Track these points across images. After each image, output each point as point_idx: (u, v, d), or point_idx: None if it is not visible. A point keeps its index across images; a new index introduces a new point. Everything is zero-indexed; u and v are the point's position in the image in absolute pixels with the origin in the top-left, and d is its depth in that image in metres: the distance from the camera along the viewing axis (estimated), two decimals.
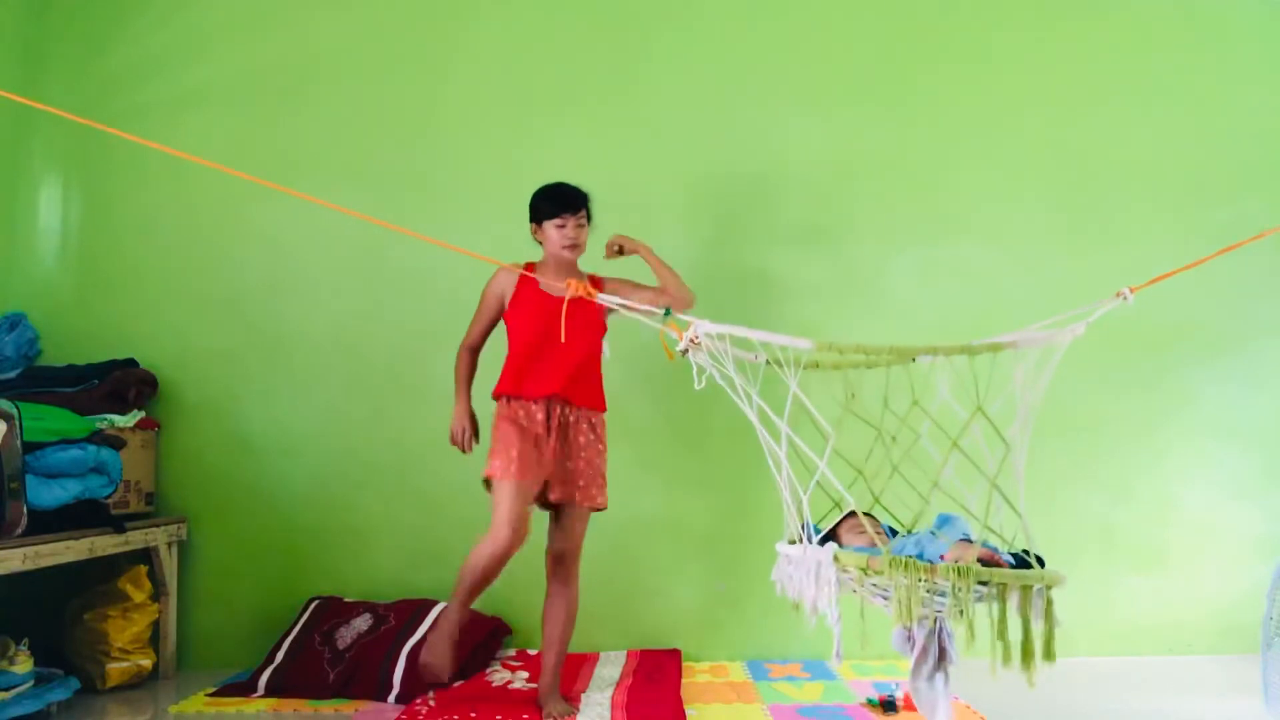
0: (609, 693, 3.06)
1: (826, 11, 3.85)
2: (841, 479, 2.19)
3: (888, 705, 2.86)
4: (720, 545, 3.66)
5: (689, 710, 2.89)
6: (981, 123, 3.81)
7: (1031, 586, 1.85)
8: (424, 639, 3.19)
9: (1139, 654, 3.63)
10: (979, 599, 1.85)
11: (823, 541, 2.21)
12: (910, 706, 2.84)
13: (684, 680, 3.26)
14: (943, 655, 2.01)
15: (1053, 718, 2.91)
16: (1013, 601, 1.86)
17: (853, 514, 2.29)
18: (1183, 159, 3.80)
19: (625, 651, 3.60)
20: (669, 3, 3.87)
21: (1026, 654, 1.85)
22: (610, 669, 3.36)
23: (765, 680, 3.29)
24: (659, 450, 3.70)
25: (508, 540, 2.70)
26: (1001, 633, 1.85)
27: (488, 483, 2.82)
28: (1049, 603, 1.85)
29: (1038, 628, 1.85)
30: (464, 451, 3.00)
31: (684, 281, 3.01)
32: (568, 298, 2.54)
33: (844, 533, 2.26)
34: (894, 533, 2.40)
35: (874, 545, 2.13)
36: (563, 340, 2.72)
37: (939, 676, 2.04)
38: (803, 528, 2.17)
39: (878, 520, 2.38)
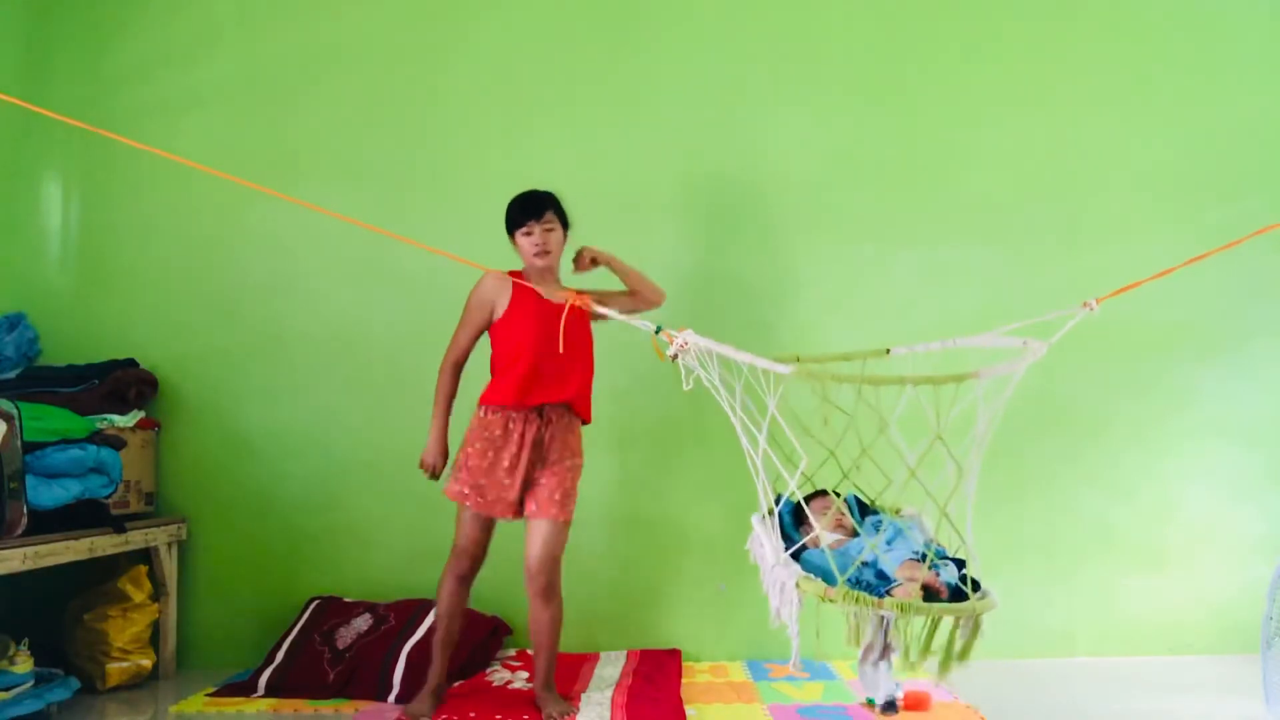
0: (609, 693, 3.06)
1: (824, 11, 3.85)
2: (815, 458, 2.41)
3: (887, 705, 2.85)
4: (720, 545, 3.66)
5: (689, 710, 2.90)
6: (980, 123, 3.80)
7: (962, 616, 2.11)
8: (426, 637, 3.21)
9: (1139, 654, 3.62)
10: (919, 615, 2.11)
11: (796, 516, 2.50)
12: (910, 706, 2.86)
13: (684, 680, 3.26)
14: (887, 648, 2.27)
15: (1053, 718, 2.91)
16: (946, 623, 2.12)
17: (822, 493, 2.51)
18: (1182, 159, 3.79)
19: (625, 651, 3.60)
20: (666, 4, 3.87)
21: (945, 660, 2.14)
22: (610, 669, 3.36)
23: (765, 680, 3.29)
24: (659, 451, 3.70)
25: (462, 566, 2.91)
26: (926, 649, 2.13)
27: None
28: (977, 624, 2.11)
29: (961, 641, 2.11)
30: (431, 479, 3.01)
31: (652, 282, 3.06)
32: (566, 309, 2.55)
33: (812, 511, 2.41)
34: (862, 507, 2.58)
35: (839, 525, 2.49)
36: (560, 351, 2.71)
37: (883, 664, 2.38)
38: (772, 514, 2.36)
39: (844, 500, 2.53)
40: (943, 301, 3.72)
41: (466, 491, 2.84)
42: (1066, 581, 3.65)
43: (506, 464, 2.83)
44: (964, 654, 2.12)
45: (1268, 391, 3.74)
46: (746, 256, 3.76)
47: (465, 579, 2.92)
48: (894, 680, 2.62)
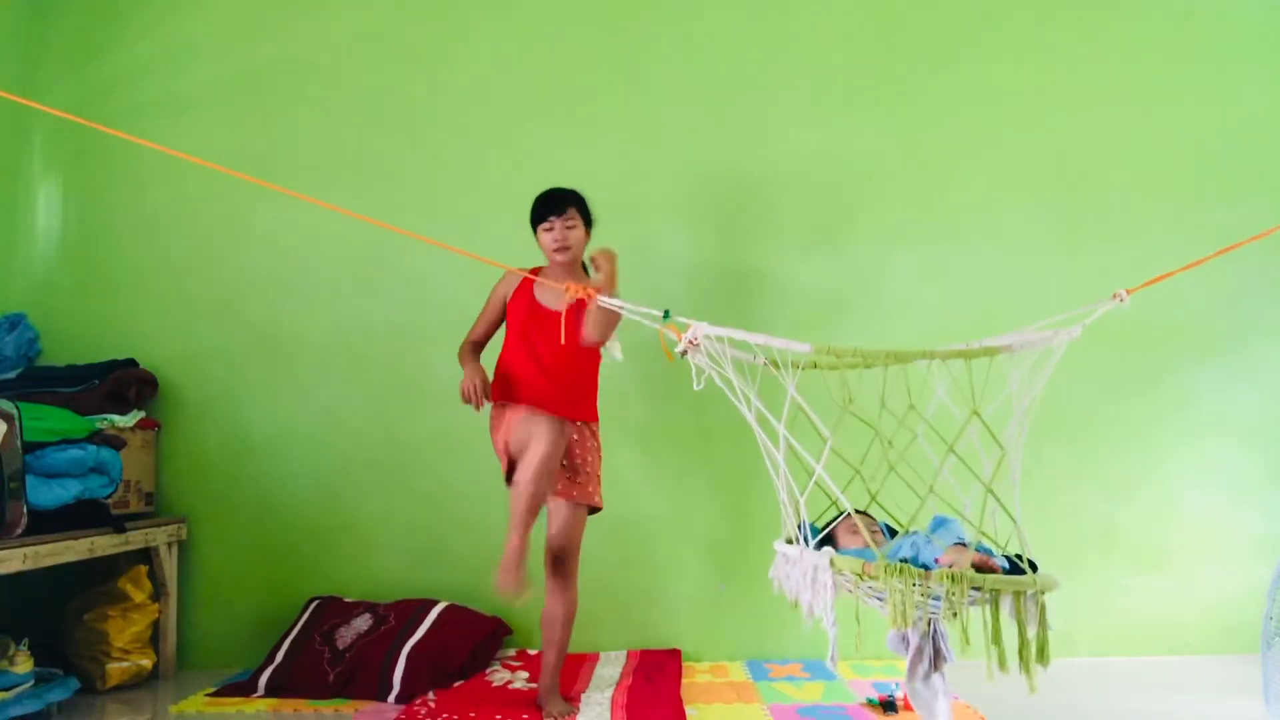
0: (609, 693, 3.06)
1: (826, 12, 3.85)
2: (839, 478, 2.20)
3: (887, 705, 2.86)
4: (720, 545, 3.66)
5: (689, 710, 2.90)
6: (981, 123, 3.80)
7: (1024, 592, 1.86)
8: (426, 637, 3.21)
9: (1139, 654, 3.62)
10: (972, 603, 1.87)
11: (820, 543, 2.22)
12: (910, 706, 2.84)
13: (684, 680, 3.26)
14: (938, 656, 2.03)
15: (1053, 718, 2.91)
16: (1005, 606, 1.88)
17: (850, 515, 2.30)
18: (1181, 159, 3.80)
19: (625, 651, 3.60)
20: (669, 4, 3.87)
21: (1024, 658, 1.87)
22: (610, 669, 3.36)
23: (765, 680, 3.29)
24: (659, 451, 3.70)
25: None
26: (995, 638, 1.87)
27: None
28: (1042, 607, 1.87)
29: (1031, 632, 1.87)
30: (475, 408, 2.92)
31: (605, 328, 2.80)
32: (566, 301, 2.55)
33: (841, 534, 2.26)
34: (891, 531, 2.41)
35: (870, 547, 2.15)
36: (563, 342, 2.72)
37: (935, 677, 2.07)
38: (799, 528, 2.18)
39: (874, 520, 2.39)
40: (944, 302, 3.72)
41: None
42: (1066, 581, 3.60)
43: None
44: (1042, 651, 1.88)
45: (1268, 392, 3.74)
46: (747, 257, 3.76)
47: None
48: (898, 680, 2.44)
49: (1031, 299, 3.62)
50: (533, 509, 2.70)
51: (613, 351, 2.94)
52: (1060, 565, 3.62)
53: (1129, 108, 3.82)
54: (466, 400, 2.92)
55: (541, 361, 2.86)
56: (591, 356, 2.96)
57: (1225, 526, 3.69)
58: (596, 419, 3.00)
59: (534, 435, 2.70)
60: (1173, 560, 3.68)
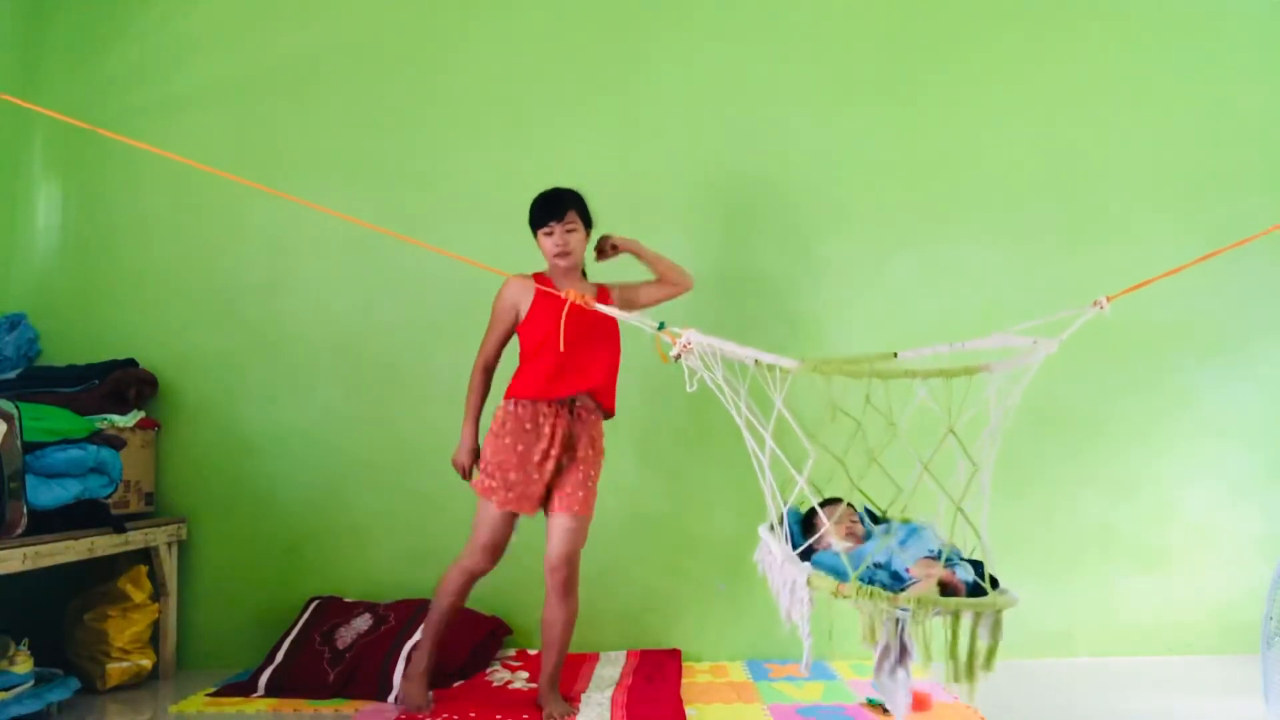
0: (609, 693, 3.06)
1: (828, 11, 3.85)
2: (824, 466, 2.26)
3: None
4: (720, 545, 3.66)
5: (689, 710, 2.90)
6: (982, 122, 3.81)
7: (982, 613, 2.01)
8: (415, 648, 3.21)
9: (1139, 654, 3.62)
10: (937, 614, 2.01)
11: (805, 525, 2.41)
12: (916, 706, 2.85)
13: (684, 680, 3.26)
14: (904, 652, 2.15)
15: (1053, 718, 2.91)
16: (966, 620, 2.01)
17: (832, 501, 2.41)
18: (1182, 159, 3.80)
19: (625, 651, 3.60)
20: (669, 4, 3.87)
21: (970, 666, 2.01)
22: (610, 669, 3.37)
23: (765, 680, 3.29)
24: (660, 450, 3.70)
25: (481, 564, 2.89)
26: (953, 652, 2.01)
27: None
28: (997, 623, 2.00)
29: (983, 644, 2.00)
30: (464, 478, 3.00)
31: (680, 267, 3.07)
32: (565, 307, 2.56)
33: (823, 515, 2.34)
34: (873, 517, 2.52)
35: (850, 534, 2.37)
36: (561, 349, 2.71)
37: (900, 671, 2.19)
38: (781, 522, 2.27)
39: (855, 509, 2.46)
40: (944, 302, 3.72)
41: (496, 485, 2.83)
42: (1066, 581, 3.65)
43: (536, 458, 2.83)
44: (989, 659, 2.00)
45: (1268, 391, 3.74)
46: (747, 257, 3.76)
47: (476, 578, 2.91)
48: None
49: (1031, 299, 3.61)
50: (450, 618, 2.97)
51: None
52: (1060, 565, 3.67)
53: (1129, 108, 3.82)
54: (456, 469, 3.01)
55: (576, 356, 2.83)
56: (613, 354, 2.96)
57: (1225, 526, 3.70)
58: (612, 411, 2.98)
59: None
60: (1173, 560, 3.68)
